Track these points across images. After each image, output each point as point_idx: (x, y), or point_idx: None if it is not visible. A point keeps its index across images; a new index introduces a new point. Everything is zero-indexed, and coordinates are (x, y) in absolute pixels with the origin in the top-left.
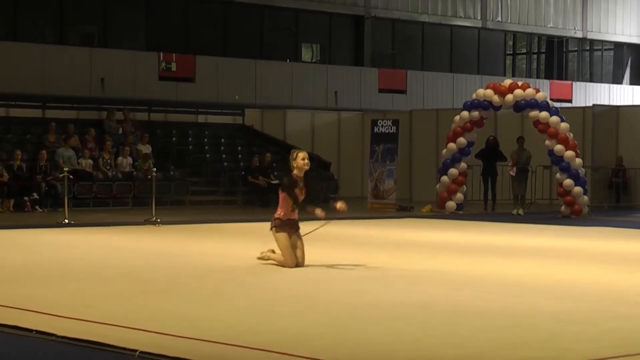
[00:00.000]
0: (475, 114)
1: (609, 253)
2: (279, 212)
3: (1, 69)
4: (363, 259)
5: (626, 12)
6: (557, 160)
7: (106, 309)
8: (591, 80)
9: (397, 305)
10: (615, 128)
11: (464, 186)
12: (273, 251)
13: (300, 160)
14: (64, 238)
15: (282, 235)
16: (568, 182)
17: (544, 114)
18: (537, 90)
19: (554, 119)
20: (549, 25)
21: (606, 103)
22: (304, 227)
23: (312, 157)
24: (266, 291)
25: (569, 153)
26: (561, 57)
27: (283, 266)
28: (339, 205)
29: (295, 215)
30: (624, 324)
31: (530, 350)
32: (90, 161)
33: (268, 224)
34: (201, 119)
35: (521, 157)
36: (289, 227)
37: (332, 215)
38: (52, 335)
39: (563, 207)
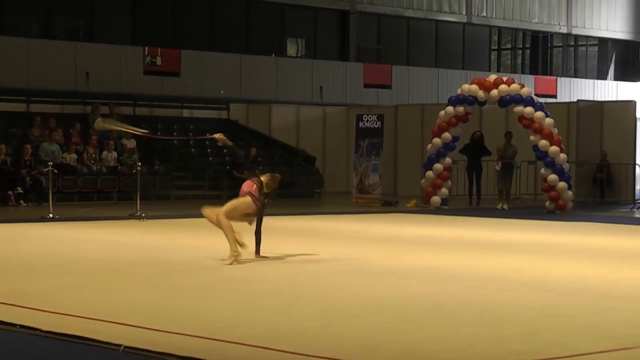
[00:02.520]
0: (460, 109)
1: (593, 248)
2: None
3: None
4: (348, 253)
5: (611, 7)
6: (542, 156)
7: (91, 303)
8: (576, 76)
9: (383, 299)
10: (599, 123)
11: (449, 181)
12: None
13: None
14: (49, 232)
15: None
16: (552, 177)
17: (529, 109)
18: (522, 86)
19: (539, 114)
20: (533, 21)
21: (591, 98)
22: None
23: (297, 152)
24: (251, 285)
25: (554, 148)
26: (546, 53)
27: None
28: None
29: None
30: (607, 317)
31: (515, 344)
32: (74, 155)
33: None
34: (186, 113)
35: (507, 152)
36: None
37: None
38: (36, 329)
39: (547, 202)
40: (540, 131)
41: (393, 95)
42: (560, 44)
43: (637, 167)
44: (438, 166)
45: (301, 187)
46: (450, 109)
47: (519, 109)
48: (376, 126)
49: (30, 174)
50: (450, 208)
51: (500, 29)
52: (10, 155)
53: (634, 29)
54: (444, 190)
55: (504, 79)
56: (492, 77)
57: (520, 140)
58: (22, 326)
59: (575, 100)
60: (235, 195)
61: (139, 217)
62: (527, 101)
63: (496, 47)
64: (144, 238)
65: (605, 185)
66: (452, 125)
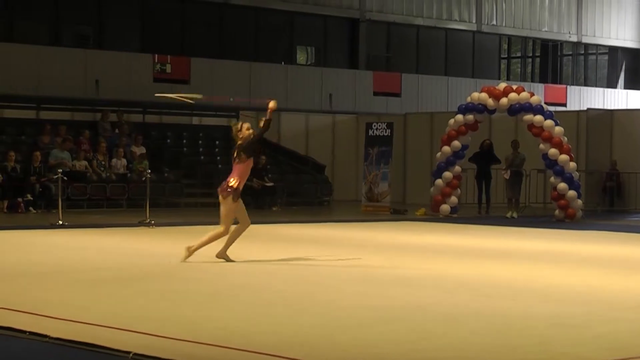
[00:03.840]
0: (470, 117)
1: (602, 257)
2: (236, 181)
3: None
4: (357, 261)
5: (621, 16)
6: (551, 164)
7: (100, 310)
8: (585, 84)
9: (391, 307)
10: (609, 132)
11: (458, 189)
12: (189, 248)
13: (246, 131)
14: (58, 239)
15: (237, 205)
16: (562, 185)
17: (539, 117)
18: (532, 94)
19: (548, 122)
20: (543, 29)
21: (600, 107)
22: None
23: (306, 160)
24: (259, 293)
25: (563, 157)
26: (556, 61)
27: (216, 239)
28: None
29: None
30: (617, 327)
31: (524, 354)
32: (84, 162)
33: (262, 226)
34: (195, 121)
35: (515, 161)
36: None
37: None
38: (46, 336)
39: (557, 211)
40: (550, 140)
41: (402, 103)
42: (570, 53)
43: None
44: (447, 174)
45: (310, 195)
46: (459, 117)
47: (528, 117)
48: (385, 134)
49: (40, 181)
50: (459, 216)
51: (510, 38)
52: (19, 162)
53: None
54: (454, 199)
55: (514, 87)
56: (502, 85)
57: (530, 148)
58: (31, 333)
59: (585, 108)
60: (244, 202)
61: (149, 225)
62: (537, 110)
63: (506, 56)
64: (153, 245)
65: (615, 194)
66: (461, 134)
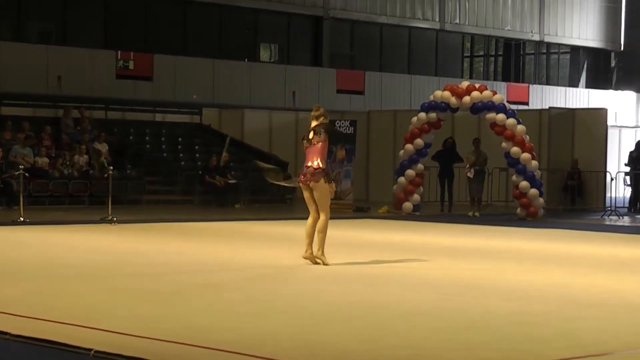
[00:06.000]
0: (433, 115)
1: (563, 255)
2: (322, 162)
3: None
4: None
5: (582, 16)
6: (513, 162)
7: (62, 307)
8: (548, 83)
9: (354, 305)
10: (571, 131)
11: (421, 187)
12: (314, 253)
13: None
14: (19, 236)
15: (329, 187)
16: (524, 184)
17: (501, 116)
18: (494, 93)
19: (511, 121)
20: (506, 28)
21: (562, 106)
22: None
23: (269, 157)
24: (223, 291)
25: (525, 155)
26: (518, 60)
27: (327, 229)
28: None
29: None
30: (578, 325)
31: (485, 351)
32: (46, 159)
33: (225, 224)
34: (159, 117)
35: (478, 159)
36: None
37: None
38: (7, 334)
39: (519, 209)
40: (512, 138)
41: (366, 101)
42: (533, 52)
43: (607, 174)
44: (410, 172)
45: (273, 192)
46: (422, 115)
47: (491, 115)
48: (349, 132)
49: (1, 178)
50: (422, 214)
51: (473, 36)
52: None
53: (605, 37)
54: (416, 197)
55: (476, 85)
56: (465, 84)
57: (492, 147)
58: None
59: (547, 107)
60: (207, 200)
61: (110, 221)
62: (499, 108)
63: (469, 54)
64: (115, 242)
65: (576, 193)
66: (424, 132)
